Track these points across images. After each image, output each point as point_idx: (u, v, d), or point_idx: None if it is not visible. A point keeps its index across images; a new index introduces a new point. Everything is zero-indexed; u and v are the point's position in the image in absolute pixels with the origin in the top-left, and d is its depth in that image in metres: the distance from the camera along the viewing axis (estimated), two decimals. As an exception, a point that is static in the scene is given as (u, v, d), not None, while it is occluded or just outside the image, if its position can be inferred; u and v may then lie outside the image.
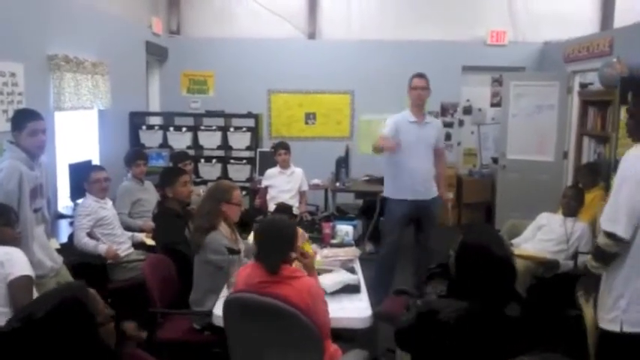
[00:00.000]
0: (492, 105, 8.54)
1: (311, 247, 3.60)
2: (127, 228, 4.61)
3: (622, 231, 2.28)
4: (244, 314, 2.56)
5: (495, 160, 7.91)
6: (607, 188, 5.05)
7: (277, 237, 2.59)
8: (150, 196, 4.95)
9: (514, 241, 4.75)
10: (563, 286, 4.08)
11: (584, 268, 2.58)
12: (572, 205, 4.55)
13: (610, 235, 2.31)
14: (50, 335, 1.60)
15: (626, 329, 2.31)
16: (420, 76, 4.73)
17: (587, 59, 6.63)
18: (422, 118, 4.73)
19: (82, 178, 4.41)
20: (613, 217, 2.32)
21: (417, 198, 4.64)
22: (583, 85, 6.85)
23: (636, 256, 2.30)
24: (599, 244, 2.39)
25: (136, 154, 5.25)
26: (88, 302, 1.74)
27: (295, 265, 2.75)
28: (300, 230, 3.50)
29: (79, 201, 4.47)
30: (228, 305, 2.60)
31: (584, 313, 3.10)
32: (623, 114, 4.68)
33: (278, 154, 5.92)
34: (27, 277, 2.63)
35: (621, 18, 7.32)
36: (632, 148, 2.41)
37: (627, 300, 2.32)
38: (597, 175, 5.24)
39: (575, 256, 4.28)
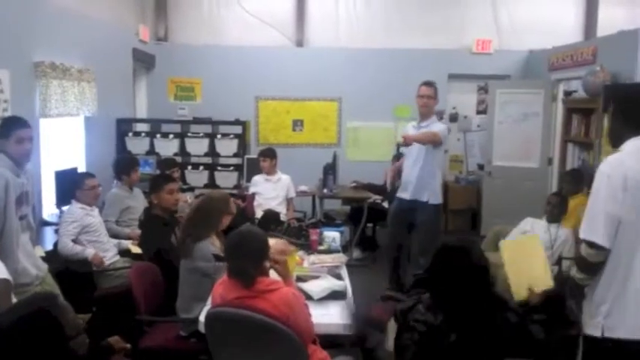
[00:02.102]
0: (478, 112, 8.61)
1: (297, 257, 3.61)
2: (115, 236, 4.59)
3: (601, 239, 2.29)
4: (224, 328, 2.54)
5: (481, 167, 7.98)
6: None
7: (247, 250, 2.51)
8: (138, 203, 4.92)
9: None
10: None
11: (571, 281, 2.57)
12: (555, 213, 4.61)
13: (591, 245, 2.32)
14: (16, 346, 1.58)
15: (607, 334, 2.33)
16: (426, 84, 4.92)
17: (571, 67, 6.72)
18: (420, 123, 4.93)
19: (69, 185, 4.39)
20: (591, 226, 2.34)
21: (404, 197, 4.95)
22: (567, 93, 6.94)
23: (615, 261, 2.31)
24: (583, 255, 2.39)
25: (133, 160, 5.23)
26: (58, 314, 1.73)
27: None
28: (284, 242, 3.48)
29: (65, 208, 4.44)
30: (208, 321, 2.58)
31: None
32: (607, 121, 4.76)
33: (260, 160, 5.95)
34: (4, 281, 2.60)
35: (604, 27, 7.43)
36: (608, 157, 2.45)
37: (609, 305, 2.33)
38: (581, 181, 5.30)
39: (559, 262, 4.32)
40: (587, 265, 2.39)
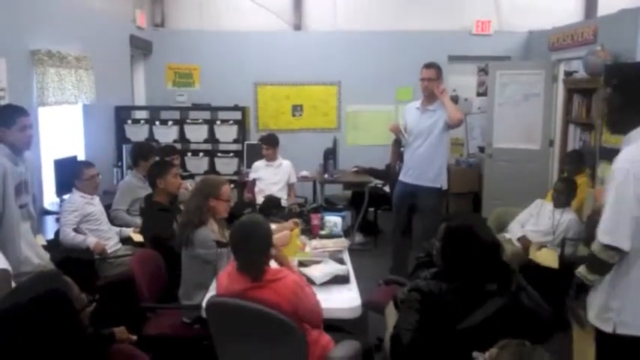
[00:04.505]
0: (479, 94, 8.57)
1: (298, 242, 3.61)
2: (125, 225, 4.58)
3: (625, 244, 2.16)
4: (225, 317, 2.56)
5: (482, 149, 7.95)
6: (592, 175, 5.12)
7: (255, 243, 2.51)
8: None
9: (510, 226, 4.82)
10: (550, 272, 4.14)
11: (577, 280, 2.38)
12: (561, 199, 4.61)
13: (612, 249, 2.18)
14: (33, 327, 1.59)
15: (620, 331, 2.24)
16: (428, 66, 4.78)
17: (571, 47, 6.67)
18: (426, 106, 4.78)
19: (68, 173, 4.36)
20: (615, 231, 2.18)
21: (407, 181, 4.84)
22: (568, 74, 6.89)
23: (633, 257, 2.21)
24: (600, 258, 2.23)
25: (151, 146, 5.20)
26: (67, 290, 1.75)
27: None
28: (285, 233, 3.47)
29: (66, 197, 4.43)
30: (209, 309, 2.59)
31: (579, 331, 2.98)
32: (603, 106, 4.72)
33: (262, 148, 5.93)
34: (3, 271, 2.60)
35: (605, 6, 7.36)
36: (622, 152, 2.28)
37: (620, 302, 2.24)
38: (582, 162, 5.30)
39: (562, 243, 4.33)
40: (602, 268, 2.26)
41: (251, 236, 2.52)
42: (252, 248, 2.50)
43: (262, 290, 2.47)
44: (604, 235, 2.21)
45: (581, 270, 2.36)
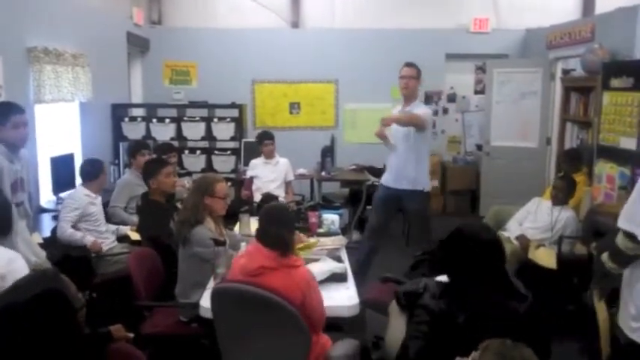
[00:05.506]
0: (476, 92, 8.57)
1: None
2: (122, 222, 4.56)
3: (638, 231, 2.14)
4: (232, 303, 2.56)
5: (479, 147, 7.96)
6: (590, 173, 5.11)
7: (286, 220, 2.70)
8: None
9: (508, 225, 4.82)
10: (548, 273, 4.15)
11: (601, 267, 2.39)
12: (560, 197, 4.62)
13: (629, 236, 2.18)
14: (29, 325, 1.59)
15: None
16: (408, 65, 4.77)
17: (569, 46, 6.67)
18: (405, 107, 4.70)
19: (65, 171, 4.35)
20: (631, 217, 2.18)
21: (389, 185, 4.71)
22: (565, 72, 6.90)
23: None
24: (618, 245, 2.24)
25: (140, 144, 5.21)
26: (65, 290, 1.74)
27: None
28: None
29: (63, 194, 4.41)
30: (215, 294, 2.61)
31: (597, 310, 3.01)
32: (606, 99, 4.73)
33: (264, 145, 5.88)
34: None
35: (602, 4, 7.35)
36: None
37: None
38: (579, 160, 5.30)
39: (559, 241, 4.33)
40: (621, 257, 2.26)
41: (283, 215, 2.74)
42: (283, 225, 2.65)
43: (277, 273, 2.53)
44: (622, 219, 2.23)
45: (604, 256, 2.39)
